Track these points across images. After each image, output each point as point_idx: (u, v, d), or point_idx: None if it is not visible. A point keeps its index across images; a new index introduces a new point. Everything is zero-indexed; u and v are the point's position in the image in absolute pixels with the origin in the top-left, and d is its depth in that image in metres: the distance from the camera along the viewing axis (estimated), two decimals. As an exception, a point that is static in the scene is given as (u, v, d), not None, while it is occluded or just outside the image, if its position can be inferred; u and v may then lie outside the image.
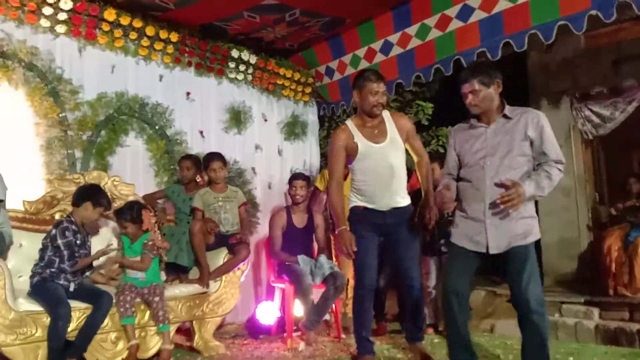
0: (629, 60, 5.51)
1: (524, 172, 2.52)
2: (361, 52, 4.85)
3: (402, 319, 4.47)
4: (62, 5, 3.65)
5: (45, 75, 3.67)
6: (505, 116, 2.58)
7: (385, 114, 3.13)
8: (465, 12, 4.00)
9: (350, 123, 3.12)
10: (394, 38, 4.55)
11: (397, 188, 3.07)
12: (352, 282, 4.54)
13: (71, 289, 2.99)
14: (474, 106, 2.58)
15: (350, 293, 4.54)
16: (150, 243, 3.30)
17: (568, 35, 4.00)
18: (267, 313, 4.28)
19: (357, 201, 3.10)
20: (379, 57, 4.73)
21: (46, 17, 3.65)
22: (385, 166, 3.02)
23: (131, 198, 3.80)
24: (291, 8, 4.17)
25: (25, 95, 3.60)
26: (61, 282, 2.97)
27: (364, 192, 3.07)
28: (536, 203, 7.01)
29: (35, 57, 3.64)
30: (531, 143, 2.53)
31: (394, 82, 4.71)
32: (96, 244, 3.36)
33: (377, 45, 4.71)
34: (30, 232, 3.26)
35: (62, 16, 3.70)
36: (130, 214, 3.29)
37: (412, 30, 4.40)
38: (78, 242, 3.09)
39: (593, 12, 3.40)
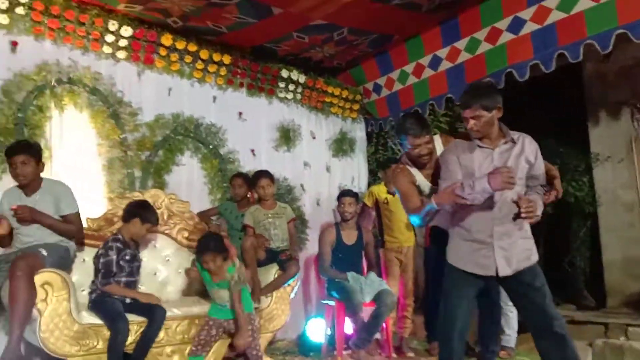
0: (696, 67, 5.21)
1: (519, 193, 2.49)
2: (409, 67, 4.85)
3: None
4: (122, 32, 3.87)
5: (107, 99, 3.88)
6: (510, 140, 2.53)
7: (438, 145, 2.94)
8: (517, 25, 3.93)
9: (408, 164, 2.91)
10: (442, 52, 4.52)
11: None
12: (402, 301, 4.48)
13: (127, 301, 3.11)
14: (476, 131, 2.52)
15: (401, 312, 4.48)
16: (236, 278, 3.17)
17: (627, 44, 3.84)
18: (318, 330, 4.28)
19: None
20: (428, 72, 4.71)
21: (108, 44, 3.88)
22: None
23: (186, 215, 3.94)
24: (339, 27, 4.23)
25: (89, 118, 3.82)
26: (116, 296, 3.09)
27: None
28: (595, 219, 6.70)
29: (98, 82, 3.86)
30: (529, 167, 2.52)
31: (443, 97, 4.67)
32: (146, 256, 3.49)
33: (425, 60, 4.69)
34: (92, 247, 3.41)
35: (123, 43, 3.92)
36: (214, 244, 3.18)
37: (461, 44, 4.36)
38: (127, 257, 3.21)
39: (654, 18, 3.26)
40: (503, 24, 4.01)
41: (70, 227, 3.13)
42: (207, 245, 3.20)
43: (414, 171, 2.90)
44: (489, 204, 2.46)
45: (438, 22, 4.37)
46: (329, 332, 4.23)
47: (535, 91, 5.55)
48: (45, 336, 2.79)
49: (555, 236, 6.58)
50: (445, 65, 4.55)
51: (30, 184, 3.06)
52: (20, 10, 3.46)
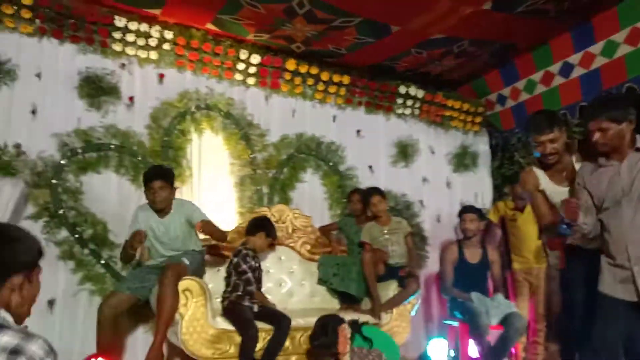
0: None
1: None
2: (537, 76, 4.58)
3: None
4: (252, 60, 4.19)
5: (239, 122, 4.21)
6: (638, 149, 2.26)
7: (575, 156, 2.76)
8: (664, 22, 3.54)
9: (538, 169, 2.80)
10: (574, 59, 4.21)
11: None
12: (533, 325, 4.18)
13: (255, 309, 3.29)
14: (602, 144, 2.32)
15: (532, 337, 4.18)
16: None
17: None
18: (440, 351, 4.15)
19: None
20: (558, 80, 4.41)
21: (239, 71, 4.23)
22: None
23: (309, 229, 4.09)
24: (459, 39, 4.15)
25: (223, 140, 4.17)
26: (246, 303, 3.29)
27: None
28: None
29: (232, 107, 4.21)
30: None
31: (576, 105, 4.32)
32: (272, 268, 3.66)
33: (555, 68, 4.40)
34: (226, 258, 3.71)
35: (252, 70, 4.24)
36: (323, 332, 3.03)
37: (595, 48, 4.02)
38: (257, 265, 3.42)
39: None
40: (647, 22, 3.64)
41: (218, 229, 3.35)
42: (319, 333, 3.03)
43: (540, 173, 2.74)
44: (620, 228, 2.26)
45: (567, 28, 4.09)
46: (452, 354, 4.07)
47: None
48: (185, 338, 3.06)
49: None
50: (578, 71, 4.23)
51: (165, 207, 3.29)
52: (166, 46, 3.92)
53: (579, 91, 4.27)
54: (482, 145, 5.41)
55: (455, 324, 3.99)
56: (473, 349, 3.85)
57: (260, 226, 3.54)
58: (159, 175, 3.24)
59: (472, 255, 4.12)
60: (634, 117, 2.31)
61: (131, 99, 3.84)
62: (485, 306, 3.78)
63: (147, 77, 3.93)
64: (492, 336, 3.70)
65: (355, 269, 3.84)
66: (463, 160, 5.25)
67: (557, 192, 2.71)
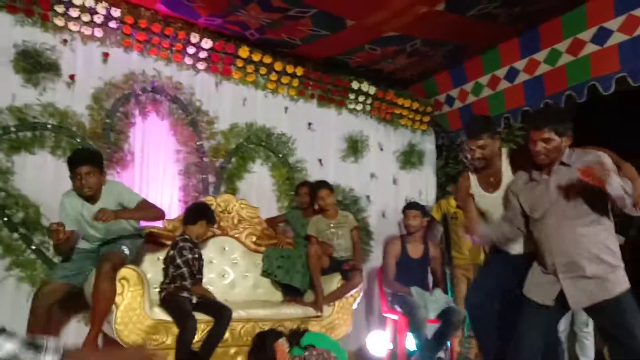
0: None
1: (593, 219, 2.33)
2: (484, 79, 4.72)
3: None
4: (203, 44, 4.08)
5: (186, 107, 4.09)
6: (562, 163, 2.39)
7: (505, 160, 2.84)
8: (602, 35, 3.71)
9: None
10: (520, 64, 4.36)
11: None
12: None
13: (194, 301, 3.22)
14: (543, 155, 2.40)
15: (468, 331, 4.32)
16: None
17: None
18: (378, 344, 4.23)
19: None
20: (504, 84, 4.56)
21: (189, 55, 4.10)
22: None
23: (255, 220, 4.05)
24: (412, 38, 4.20)
25: (169, 125, 4.04)
26: (185, 295, 3.21)
27: None
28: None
29: (179, 91, 4.09)
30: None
31: (519, 110, 4.49)
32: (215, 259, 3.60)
33: (501, 72, 4.54)
34: (166, 246, 3.60)
35: (203, 54, 4.13)
36: (261, 347, 3.13)
37: (540, 55, 4.18)
38: (196, 256, 3.35)
39: None
40: (587, 34, 3.81)
41: (150, 209, 3.09)
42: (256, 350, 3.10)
43: (473, 178, 2.83)
44: (548, 240, 2.41)
45: (516, 33, 4.23)
46: (390, 346, 4.16)
47: (624, 108, 5.20)
48: (120, 328, 2.96)
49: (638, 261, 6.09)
50: (523, 77, 4.39)
51: (94, 194, 2.99)
52: (112, 24, 3.75)
53: (523, 96, 4.44)
54: (428, 144, 5.53)
55: (395, 317, 4.07)
56: (411, 342, 3.94)
57: (200, 214, 3.44)
58: (86, 160, 2.93)
59: (415, 250, 4.21)
60: (571, 134, 2.40)
61: (72, 77, 3.64)
62: (424, 300, 3.88)
63: (91, 56, 3.74)
64: (430, 330, 3.80)
65: (300, 261, 3.83)
66: (410, 158, 5.35)
67: (482, 196, 2.80)
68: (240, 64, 4.31)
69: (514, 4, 3.70)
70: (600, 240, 2.34)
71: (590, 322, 3.81)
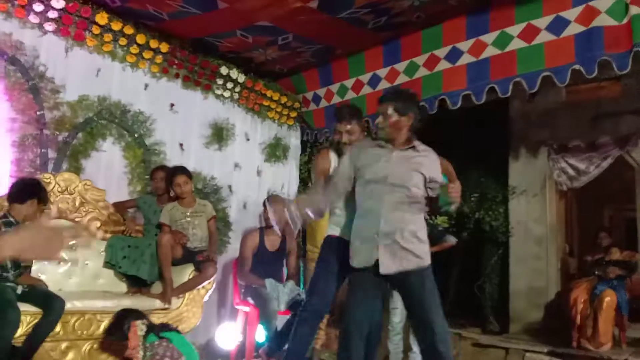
0: (607, 117, 5.68)
1: (419, 207, 2.57)
2: (349, 82, 4.90)
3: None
4: (53, 3, 3.62)
5: (27, 71, 3.59)
6: (412, 147, 2.60)
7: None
8: (454, 55, 4.09)
9: (332, 152, 3.04)
10: (382, 72, 4.61)
11: None
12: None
13: (19, 291, 2.86)
14: (381, 129, 2.62)
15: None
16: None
17: (551, 87, 4.10)
18: (228, 336, 4.17)
19: None
20: (366, 90, 4.78)
21: (36, 13, 3.61)
22: None
23: (101, 204, 3.71)
24: (285, 32, 4.20)
25: (4, 89, 3.52)
26: (8, 283, 2.83)
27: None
28: (507, 248, 7.06)
29: (20, 52, 3.58)
30: (426, 180, 2.57)
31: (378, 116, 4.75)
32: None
33: (365, 77, 4.76)
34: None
35: (53, 14, 3.66)
36: (118, 325, 2.99)
37: (400, 66, 4.47)
38: None
39: (576, 66, 3.49)
40: (442, 52, 4.16)
41: None
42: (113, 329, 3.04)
43: (333, 156, 2.95)
44: (379, 205, 2.56)
45: (381, 42, 4.46)
46: (240, 338, 4.12)
47: (463, 124, 5.81)
48: None
49: (468, 261, 6.87)
50: (384, 84, 4.64)
51: None
52: None
53: (383, 103, 4.70)
54: (294, 139, 5.61)
55: (247, 309, 4.04)
56: (260, 334, 3.95)
57: (30, 191, 3.03)
58: None
59: (272, 243, 4.22)
60: (415, 113, 2.58)
61: None
62: (276, 292, 3.92)
63: None
64: (281, 321, 3.84)
65: (149, 251, 3.60)
66: (275, 151, 5.36)
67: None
68: (96, 30, 3.90)
69: (381, 14, 3.89)
70: (420, 222, 2.58)
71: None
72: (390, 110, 2.55)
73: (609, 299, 4.64)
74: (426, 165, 2.58)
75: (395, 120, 2.55)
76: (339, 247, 2.85)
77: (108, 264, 3.63)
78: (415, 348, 4.19)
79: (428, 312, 2.45)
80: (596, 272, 4.94)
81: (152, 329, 2.98)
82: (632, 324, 4.98)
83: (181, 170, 3.83)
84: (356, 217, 2.66)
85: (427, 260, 2.56)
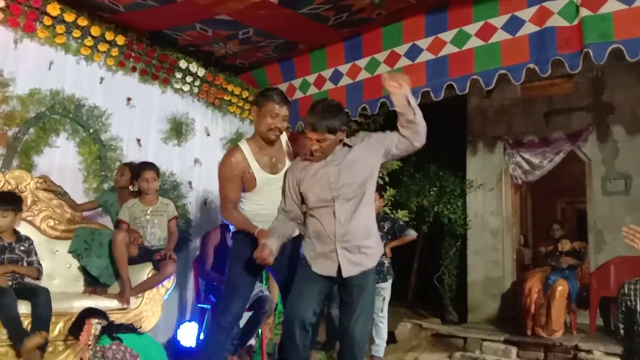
0: (559, 113, 5.91)
1: (368, 201, 2.55)
2: (311, 78, 4.89)
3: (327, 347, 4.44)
4: (0, -8, 3.45)
5: (-28, 63, 3.42)
6: (345, 144, 2.56)
7: (284, 139, 2.90)
8: (414, 52, 4.14)
9: (245, 147, 2.80)
10: (344, 68, 4.63)
11: None
12: (280, 307, 4.47)
13: None
14: (319, 155, 2.51)
15: (280, 318, 4.47)
16: None
17: (506, 85, 4.22)
18: (189, 335, 4.11)
19: None
20: (328, 85, 4.79)
21: (-19, 2, 3.43)
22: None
23: (55, 202, 3.58)
24: (245, 26, 4.15)
25: (-54, 81, 3.34)
26: None
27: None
28: (465, 240, 7.29)
29: (-37, 42, 3.40)
30: (379, 153, 2.54)
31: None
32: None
33: (327, 73, 4.76)
34: None
35: (0, 4, 3.49)
36: (77, 320, 2.94)
37: (362, 62, 4.49)
38: None
39: (531, 65, 3.61)
40: (402, 49, 4.21)
41: None
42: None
43: (251, 158, 2.75)
44: (331, 222, 2.52)
45: (342, 38, 4.47)
46: (202, 336, 4.08)
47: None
48: None
49: (428, 254, 7.02)
50: (346, 81, 4.66)
51: None
52: None
53: (344, 99, 4.71)
54: (256, 134, 5.54)
55: (208, 307, 4.00)
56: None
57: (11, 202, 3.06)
58: None
59: (234, 240, 4.18)
60: (346, 126, 2.53)
61: None
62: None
63: None
64: (243, 319, 3.81)
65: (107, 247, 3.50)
66: (236, 146, 5.29)
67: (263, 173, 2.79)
68: (48, 21, 3.74)
69: (341, 10, 3.89)
70: (372, 218, 2.58)
71: (385, 307, 4.25)
72: (325, 135, 2.45)
73: (562, 288, 4.85)
74: (365, 150, 2.53)
75: (331, 142, 2.48)
76: (252, 242, 2.67)
77: (74, 253, 3.54)
78: (378, 341, 4.27)
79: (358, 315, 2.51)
80: (550, 262, 5.15)
81: (107, 330, 2.90)
82: (581, 310, 5.24)
83: (150, 165, 3.71)
84: (308, 237, 2.61)
85: (376, 260, 2.61)
